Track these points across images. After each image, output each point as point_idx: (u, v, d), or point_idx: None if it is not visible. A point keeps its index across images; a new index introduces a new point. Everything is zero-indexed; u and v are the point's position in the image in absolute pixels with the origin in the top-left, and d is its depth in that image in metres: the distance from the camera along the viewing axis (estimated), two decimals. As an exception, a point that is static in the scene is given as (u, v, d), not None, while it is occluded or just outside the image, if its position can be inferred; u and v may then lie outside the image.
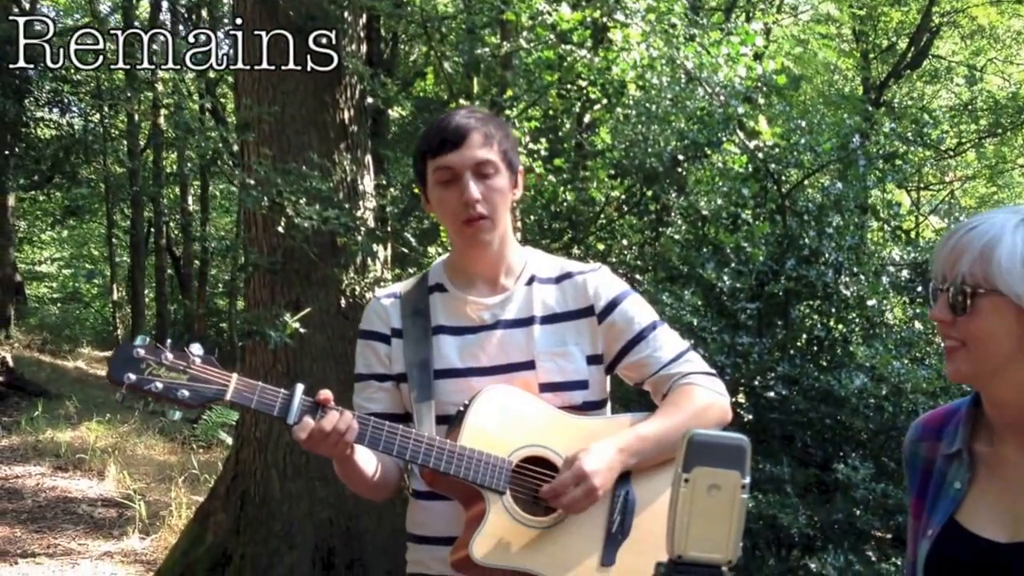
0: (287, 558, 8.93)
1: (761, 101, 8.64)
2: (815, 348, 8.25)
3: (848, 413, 7.49)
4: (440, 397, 3.60)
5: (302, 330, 8.40)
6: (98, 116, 29.68)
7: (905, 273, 8.57)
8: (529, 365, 3.62)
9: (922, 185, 28.66)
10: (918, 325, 8.34)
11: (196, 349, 3.32)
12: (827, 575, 6.66)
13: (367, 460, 3.55)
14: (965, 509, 2.72)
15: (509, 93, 9.21)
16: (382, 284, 9.40)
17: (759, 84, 8.88)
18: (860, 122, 8.93)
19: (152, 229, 28.53)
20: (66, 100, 27.24)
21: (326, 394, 3.34)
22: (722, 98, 8.33)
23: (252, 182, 8.31)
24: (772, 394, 7.56)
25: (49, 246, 39.94)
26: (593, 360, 3.71)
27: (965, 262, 2.47)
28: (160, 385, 3.25)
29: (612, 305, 3.71)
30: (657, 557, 3.26)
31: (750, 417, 7.85)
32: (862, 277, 8.07)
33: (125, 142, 28.58)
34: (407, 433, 3.40)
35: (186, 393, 3.27)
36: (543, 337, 3.66)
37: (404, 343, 3.70)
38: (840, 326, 8.15)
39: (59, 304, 39.86)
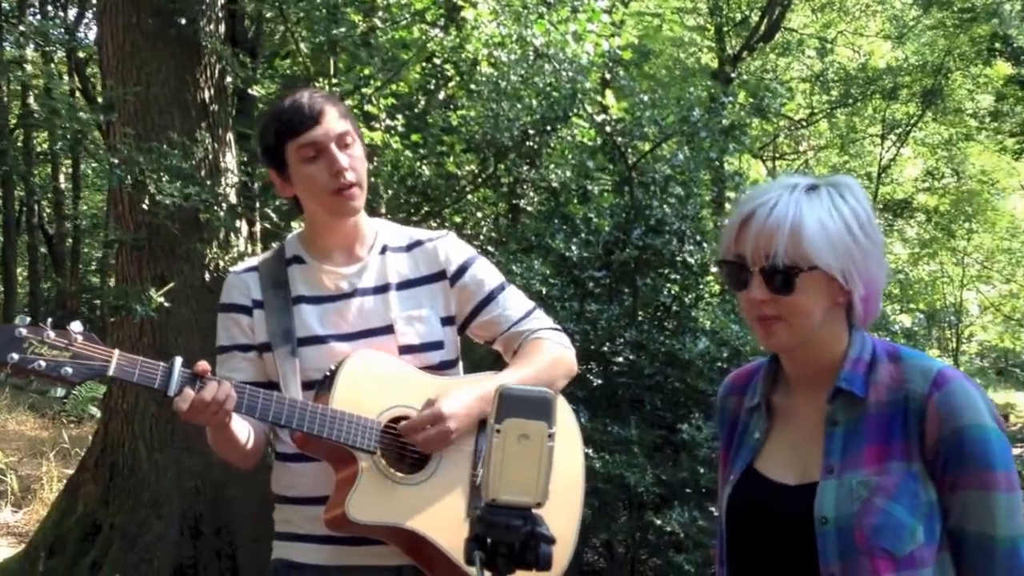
0: (155, 527, 9.02)
1: (608, 76, 8.87)
2: (660, 314, 8.42)
3: (692, 376, 7.68)
4: (304, 364, 3.74)
5: (167, 304, 8.53)
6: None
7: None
8: (388, 329, 3.78)
9: (777, 155, 29.15)
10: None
11: (76, 327, 3.39)
12: (673, 530, 6.87)
13: (240, 428, 3.66)
14: (762, 457, 2.97)
15: (367, 71, 9.40)
16: (246, 258, 9.62)
17: (607, 60, 9.15)
18: (701, 96, 9.23)
19: (24, 208, 28.14)
20: None
21: (204, 365, 3.45)
22: (570, 74, 8.57)
23: (116, 161, 8.41)
24: (620, 359, 7.72)
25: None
26: (447, 321, 3.89)
27: (779, 245, 2.69)
28: (43, 363, 3.32)
29: (462, 269, 3.90)
30: None
31: (599, 382, 7.99)
32: (705, 246, 8.30)
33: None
34: (281, 399, 3.55)
35: (69, 370, 3.35)
36: (399, 302, 3.83)
37: (266, 314, 3.82)
38: (684, 293, 8.35)
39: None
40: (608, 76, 8.86)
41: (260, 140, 3.96)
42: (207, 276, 9.31)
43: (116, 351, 3.41)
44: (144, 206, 8.89)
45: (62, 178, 30.44)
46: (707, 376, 7.78)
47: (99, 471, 9.62)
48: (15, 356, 3.30)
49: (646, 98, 8.70)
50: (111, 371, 3.39)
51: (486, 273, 3.96)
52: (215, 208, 8.91)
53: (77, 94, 11.17)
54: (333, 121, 3.73)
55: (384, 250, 3.92)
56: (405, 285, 3.88)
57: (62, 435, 15.48)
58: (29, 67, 25.77)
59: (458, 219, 8.67)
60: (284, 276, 3.90)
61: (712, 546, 6.64)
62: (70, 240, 31.08)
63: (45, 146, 30.10)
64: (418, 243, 3.96)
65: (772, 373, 3.04)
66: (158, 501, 9.14)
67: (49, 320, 3.41)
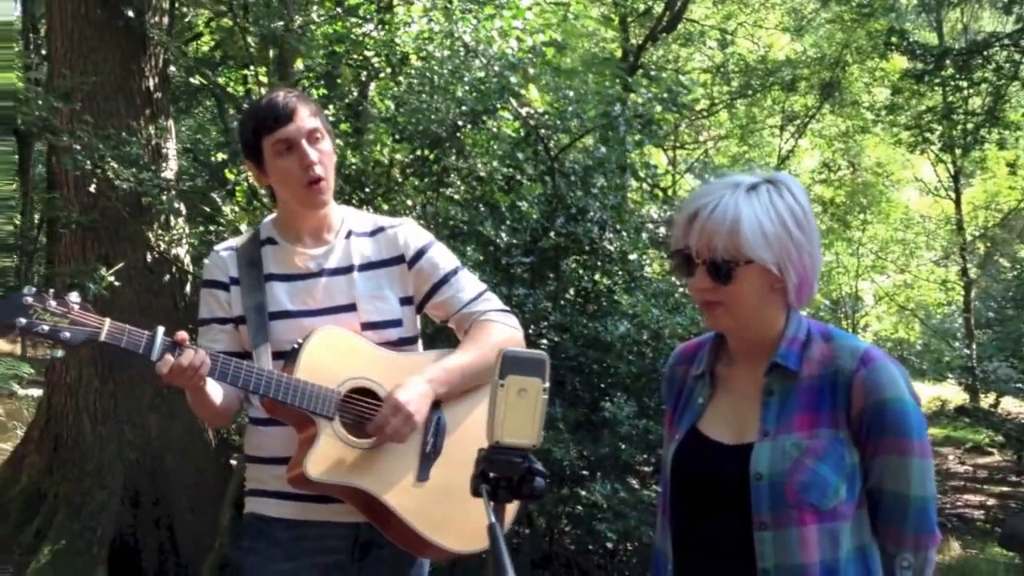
0: (99, 496, 9.27)
1: (532, 71, 9.20)
2: (582, 299, 8.73)
3: (613, 357, 7.96)
4: (275, 336, 4.09)
5: (117, 283, 8.90)
6: None
7: (662, 230, 9.14)
8: (351, 308, 4.15)
9: (678, 144, 29.38)
10: (673, 277, 8.92)
11: (74, 297, 3.77)
12: (596, 501, 7.19)
13: (215, 392, 4.01)
14: (705, 419, 3.37)
15: (299, 63, 9.73)
16: (183, 240, 9.94)
17: (529, 56, 9.52)
18: (620, 91, 9.58)
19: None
20: None
21: (183, 335, 3.82)
22: (496, 68, 8.95)
23: (78, 147, 8.70)
24: (545, 341, 7.96)
25: None
26: (405, 301, 4.25)
27: (719, 242, 3.08)
28: (46, 327, 3.70)
29: (420, 253, 4.26)
30: (464, 471, 3.92)
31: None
32: (624, 233, 8.61)
33: None
34: (251, 368, 3.89)
35: (68, 334, 3.72)
36: (362, 283, 4.19)
37: (241, 290, 4.17)
38: (605, 278, 8.66)
39: None
40: (532, 71, 9.18)
41: (239, 135, 4.34)
42: (149, 257, 9.59)
43: (107, 320, 3.79)
44: (91, 189, 9.19)
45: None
46: (626, 358, 8.10)
47: (43, 443, 9.90)
48: (23, 320, 3.69)
49: (571, 93, 9.05)
50: (102, 336, 3.76)
51: (441, 257, 4.33)
52: (160, 193, 9.20)
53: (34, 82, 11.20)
54: (305, 118, 4.11)
55: (349, 234, 4.29)
56: (367, 267, 4.25)
57: (-17, 409, 15.64)
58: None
59: (386, 206, 8.91)
60: (258, 255, 4.25)
61: (631, 516, 7.08)
62: (-28, 219, 30.77)
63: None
64: (381, 229, 4.34)
65: (716, 346, 3.45)
66: (101, 472, 9.40)
67: (51, 291, 3.75)
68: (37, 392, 16.77)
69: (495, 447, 2.72)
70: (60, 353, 3.69)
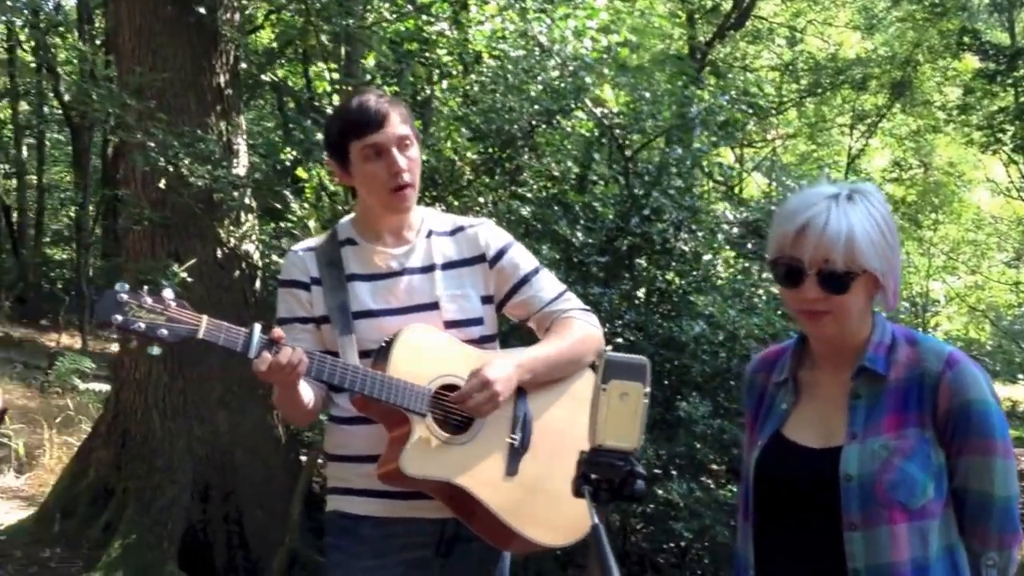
0: (169, 491, 9.24)
1: (606, 72, 9.15)
2: (656, 298, 8.66)
3: (688, 357, 7.90)
4: (359, 335, 4.09)
5: (189, 279, 8.90)
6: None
7: (735, 230, 9.12)
8: (434, 306, 4.16)
9: (745, 142, 29.32)
10: (748, 277, 8.88)
11: (169, 294, 3.75)
12: (673, 499, 7.18)
13: (304, 390, 4.01)
14: (789, 424, 3.40)
15: (370, 60, 9.69)
16: (253, 236, 9.93)
17: (604, 56, 9.47)
18: (697, 92, 9.52)
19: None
20: None
21: (279, 332, 3.84)
22: (571, 68, 8.90)
23: (152, 144, 8.73)
24: (620, 340, 7.96)
25: None
26: (486, 300, 4.26)
27: (836, 254, 3.11)
28: (142, 325, 3.66)
29: (500, 253, 4.28)
30: (551, 465, 4.05)
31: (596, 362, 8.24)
32: (699, 234, 8.61)
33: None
34: (346, 366, 3.89)
35: (165, 332, 3.68)
36: (444, 281, 4.20)
37: (323, 289, 4.17)
38: (679, 278, 8.61)
39: None
40: (606, 71, 9.12)
41: (326, 135, 4.34)
42: (219, 253, 9.56)
43: (204, 317, 3.77)
44: (161, 185, 9.19)
45: (25, 150, 30.43)
46: (700, 358, 8.03)
47: (111, 438, 9.90)
48: (119, 317, 3.66)
49: (647, 94, 9.01)
50: (200, 334, 3.75)
51: (522, 257, 4.35)
52: (232, 190, 9.20)
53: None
54: (396, 125, 4.09)
55: (430, 234, 4.29)
56: (449, 266, 4.25)
57: (50, 404, 15.77)
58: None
59: (457, 203, 8.89)
60: (338, 256, 4.24)
61: (706, 516, 7.06)
62: (31, 213, 31.03)
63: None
64: (460, 229, 4.35)
65: (798, 353, 3.47)
66: (171, 467, 9.39)
67: (145, 287, 3.72)
68: (99, 387, 16.91)
69: (597, 450, 2.74)
70: (156, 351, 3.66)
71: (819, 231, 3.13)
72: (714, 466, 8.24)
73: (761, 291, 8.46)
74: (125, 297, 3.68)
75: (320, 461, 9.30)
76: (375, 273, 4.22)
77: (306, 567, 9.05)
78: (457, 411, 3.99)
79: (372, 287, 4.20)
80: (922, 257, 32.71)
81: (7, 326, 22.57)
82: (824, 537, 3.22)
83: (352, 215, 4.43)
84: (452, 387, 4.01)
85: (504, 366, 3.99)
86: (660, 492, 7.74)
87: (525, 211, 8.69)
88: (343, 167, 4.21)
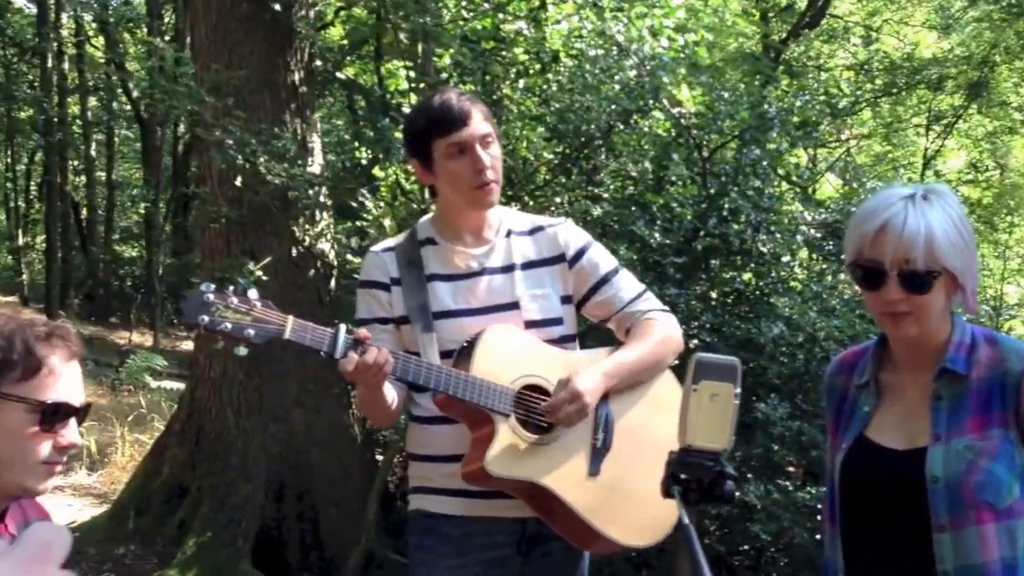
0: (243, 489, 9.33)
1: (682, 71, 9.10)
2: (732, 300, 8.61)
3: (765, 358, 7.89)
4: (439, 335, 4.11)
5: (264, 277, 8.91)
6: (22, 65, 29.35)
7: (812, 232, 9.05)
8: (514, 306, 4.20)
9: (819, 143, 29.09)
10: (825, 279, 8.83)
11: (254, 294, 3.77)
12: (750, 501, 7.16)
13: (388, 390, 4.03)
14: (872, 427, 3.43)
15: (446, 56, 9.66)
16: (328, 234, 9.94)
17: (681, 55, 9.41)
18: (774, 91, 9.46)
19: (58, 176, 28.35)
20: None
21: (364, 332, 3.86)
22: (648, 67, 8.83)
23: (229, 142, 8.75)
24: (696, 342, 7.97)
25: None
26: (565, 300, 4.30)
27: (917, 253, 3.14)
28: (229, 326, 3.69)
29: (580, 253, 4.31)
30: (632, 465, 4.05)
31: (677, 363, 8.22)
32: (778, 235, 8.56)
33: (33, 89, 28.24)
34: (430, 366, 3.93)
35: (251, 332, 3.71)
36: (524, 281, 4.24)
37: (403, 290, 4.20)
38: (758, 280, 8.56)
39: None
40: (682, 70, 9.07)
41: (407, 133, 4.37)
42: (294, 251, 9.59)
43: (290, 317, 3.78)
44: (237, 183, 9.21)
45: (93, 147, 30.68)
46: (778, 359, 7.98)
47: (185, 436, 10.01)
48: (205, 318, 3.68)
49: (726, 94, 8.94)
50: (287, 334, 3.76)
51: (601, 258, 4.37)
52: (307, 188, 9.20)
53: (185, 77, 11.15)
54: (478, 123, 4.12)
55: (509, 233, 4.32)
56: (529, 266, 4.28)
57: (121, 402, 15.89)
58: (64, 32, 25.93)
59: (532, 203, 8.86)
60: (418, 256, 4.27)
61: (784, 518, 7.02)
62: (101, 210, 31.28)
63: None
64: (540, 228, 4.38)
65: (879, 355, 3.49)
66: (246, 465, 9.48)
67: (231, 288, 3.75)
68: (171, 384, 17.02)
69: (687, 450, 2.76)
70: (243, 351, 3.69)
71: (898, 231, 3.16)
72: (791, 468, 8.17)
73: (839, 293, 8.37)
74: (211, 297, 3.71)
75: (396, 460, 9.32)
76: (455, 273, 4.25)
77: (382, 566, 9.10)
78: (539, 412, 4.01)
79: (452, 287, 4.23)
80: (997, 260, 32.40)
81: (77, 324, 22.71)
82: (910, 539, 3.25)
83: (431, 214, 4.46)
84: (534, 387, 4.05)
85: (592, 376, 4.02)
86: (737, 494, 7.58)
87: (597, 211, 8.66)
88: (425, 166, 4.23)
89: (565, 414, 3.93)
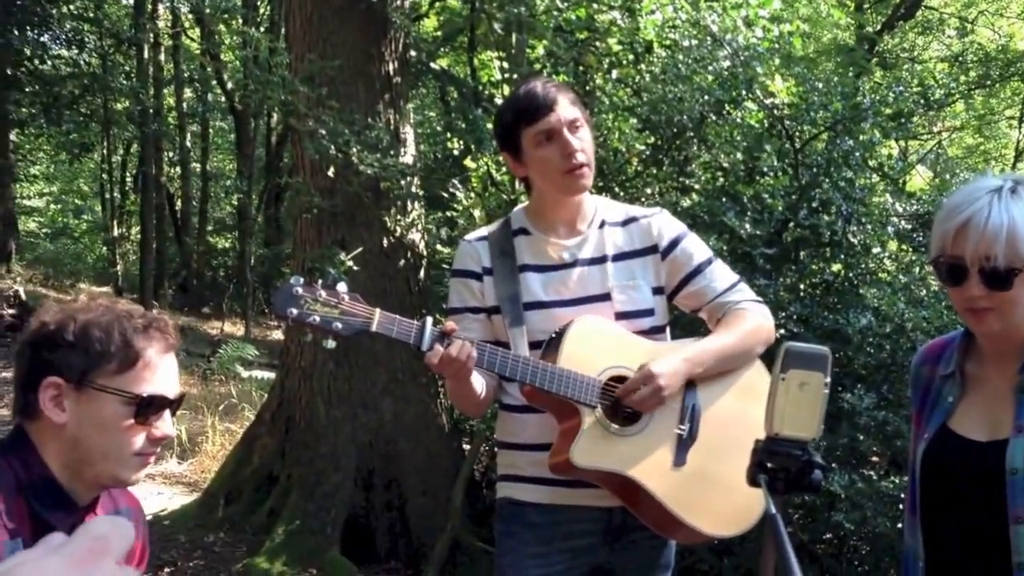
0: (333, 478, 9.39)
1: (777, 61, 9.06)
2: (821, 290, 8.57)
3: (853, 349, 7.85)
4: (529, 326, 4.15)
5: (355, 268, 8.94)
6: (119, 56, 29.63)
7: (903, 223, 8.98)
8: (605, 297, 4.21)
9: (912, 135, 28.87)
10: (916, 270, 8.76)
11: (343, 287, 3.83)
12: (834, 490, 7.13)
13: (476, 381, 4.08)
14: (955, 418, 3.41)
15: (540, 46, 9.65)
16: (419, 225, 9.97)
17: (776, 46, 9.37)
18: (870, 82, 9.39)
19: (153, 168, 28.66)
20: (85, 39, 27.10)
21: (451, 325, 3.92)
22: (742, 58, 8.80)
23: (323, 132, 8.79)
24: (783, 331, 7.97)
25: (35, 181, 39.74)
26: (657, 291, 4.30)
27: (999, 250, 3.11)
28: (317, 318, 3.76)
29: (674, 243, 4.31)
30: (718, 455, 4.08)
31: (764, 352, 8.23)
32: (868, 226, 8.49)
33: (129, 80, 28.52)
34: (516, 357, 3.95)
35: (339, 325, 3.78)
36: (616, 272, 4.25)
37: (495, 280, 4.24)
38: (848, 271, 8.49)
39: (50, 239, 39.78)
40: (777, 61, 9.02)
41: (496, 126, 4.39)
42: (384, 242, 9.61)
43: (377, 310, 3.82)
44: (329, 174, 9.25)
45: (189, 138, 30.99)
46: (865, 350, 7.93)
47: (275, 425, 10.09)
48: (294, 311, 3.73)
49: (820, 85, 8.88)
50: (374, 327, 3.80)
51: (695, 248, 4.36)
52: (399, 179, 9.22)
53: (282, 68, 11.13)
54: (565, 108, 4.13)
55: (602, 225, 4.33)
56: (620, 257, 4.28)
57: (212, 391, 16.04)
58: (160, 23, 26.15)
59: (623, 194, 8.84)
60: (511, 246, 4.29)
61: (867, 507, 7.01)
62: (195, 201, 31.61)
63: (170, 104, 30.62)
64: (633, 219, 4.37)
65: (965, 346, 3.48)
66: (335, 454, 9.53)
67: (320, 280, 3.78)
68: (262, 374, 17.16)
69: (774, 439, 2.73)
70: (331, 343, 3.76)
71: (980, 228, 3.12)
72: (875, 458, 8.14)
73: (928, 284, 8.30)
74: (300, 290, 3.77)
75: (483, 449, 9.34)
76: (547, 264, 4.27)
77: (468, 554, 9.15)
78: (628, 404, 4.00)
79: (544, 278, 4.24)
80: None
81: (170, 313, 23.03)
82: (988, 529, 3.21)
83: (526, 204, 4.46)
84: (622, 379, 4.05)
85: (672, 361, 4.02)
86: (823, 484, 7.55)
87: (686, 202, 8.64)
88: (516, 157, 4.26)
89: (640, 397, 3.94)
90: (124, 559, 1.22)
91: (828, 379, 2.72)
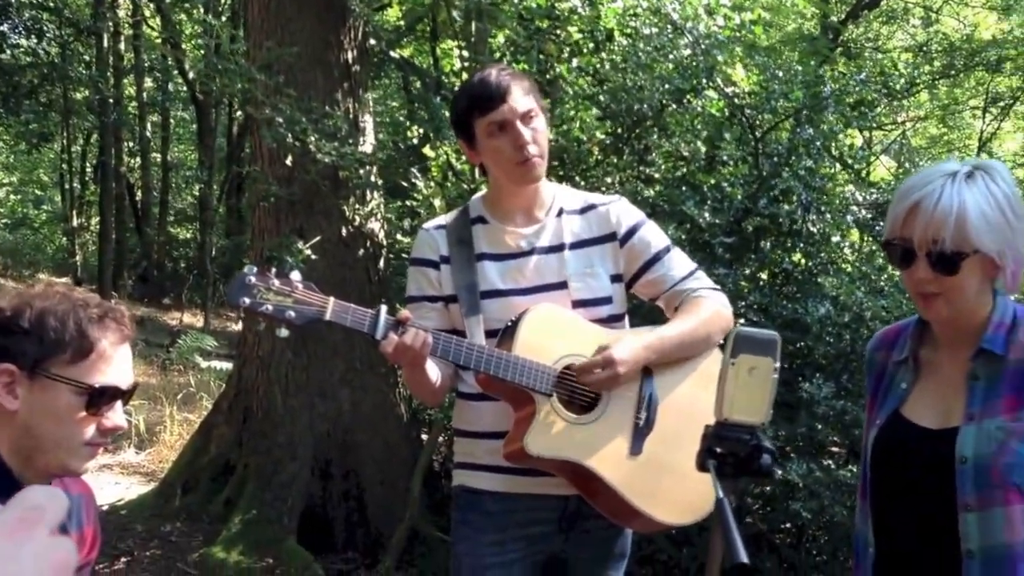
0: (289, 468, 9.36)
1: (739, 51, 9.04)
2: (780, 280, 8.60)
3: (812, 338, 7.88)
4: (487, 315, 4.14)
5: (313, 256, 8.89)
6: (78, 45, 29.43)
7: (863, 212, 8.98)
8: (562, 285, 4.20)
9: (874, 125, 28.92)
10: (874, 259, 8.78)
11: (296, 276, 3.82)
12: (792, 480, 7.14)
13: (431, 369, 4.08)
14: (908, 404, 3.44)
15: (501, 35, 9.61)
16: (378, 214, 9.91)
17: (737, 35, 9.35)
18: (830, 71, 9.38)
19: (113, 158, 28.51)
20: (45, 28, 26.91)
21: (405, 314, 3.92)
22: (703, 46, 8.77)
23: (280, 120, 8.72)
24: (743, 321, 7.95)
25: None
26: (615, 279, 4.30)
27: (946, 233, 3.11)
28: (270, 307, 3.74)
29: (632, 231, 4.30)
30: (675, 444, 4.10)
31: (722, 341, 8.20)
32: (828, 216, 8.50)
33: (89, 70, 28.36)
34: (471, 345, 3.94)
35: (292, 314, 3.77)
36: (573, 260, 4.24)
37: (452, 268, 4.23)
38: (807, 260, 8.52)
39: (9, 229, 39.65)
40: (738, 50, 9.00)
41: (451, 114, 4.38)
42: (343, 231, 9.57)
43: (331, 299, 3.81)
44: (288, 162, 9.19)
45: (149, 128, 30.86)
46: (824, 339, 7.95)
47: (233, 414, 10.06)
48: (247, 300, 3.72)
49: (780, 73, 8.87)
50: (327, 316, 3.80)
51: (653, 236, 4.35)
52: (358, 168, 9.16)
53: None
54: (518, 99, 4.11)
55: (560, 212, 4.32)
56: (578, 245, 4.28)
57: (171, 381, 16.02)
58: (121, 12, 26.02)
59: (583, 183, 8.81)
60: (468, 234, 4.29)
61: (824, 496, 7.03)
62: (155, 192, 31.50)
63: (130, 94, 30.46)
64: (592, 207, 4.37)
65: (919, 332, 3.49)
66: (292, 443, 9.51)
67: (273, 270, 3.78)
68: (221, 365, 17.15)
69: (723, 423, 2.74)
70: (285, 333, 3.74)
71: (929, 210, 3.13)
72: (834, 448, 8.15)
73: (889, 274, 8.31)
74: (253, 280, 3.76)
75: (441, 439, 9.33)
76: (505, 253, 4.26)
77: (426, 543, 9.16)
78: (583, 391, 4.02)
79: (501, 267, 4.24)
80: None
81: (129, 304, 22.95)
82: (937, 516, 3.26)
83: (484, 192, 4.46)
84: None
85: (631, 346, 4.00)
86: (779, 472, 7.60)
87: (647, 192, 8.62)
88: (471, 145, 4.27)
89: (595, 379, 3.94)
90: (58, 529, 1.19)
91: (777, 364, 2.73)
